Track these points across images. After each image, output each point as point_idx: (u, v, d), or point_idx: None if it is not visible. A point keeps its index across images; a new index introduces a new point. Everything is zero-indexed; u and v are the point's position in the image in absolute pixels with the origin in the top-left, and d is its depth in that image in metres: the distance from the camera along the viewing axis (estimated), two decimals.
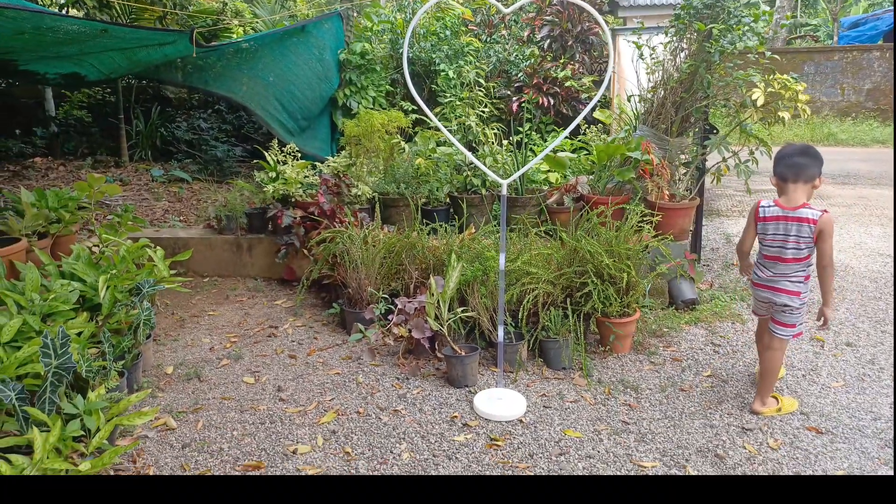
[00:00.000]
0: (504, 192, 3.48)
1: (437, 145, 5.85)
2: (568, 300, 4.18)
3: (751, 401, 3.63)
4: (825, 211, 3.26)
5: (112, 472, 2.88)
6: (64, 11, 6.11)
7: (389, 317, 4.27)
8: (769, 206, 3.39)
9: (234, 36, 8.67)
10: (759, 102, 5.05)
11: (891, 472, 3.01)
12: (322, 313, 4.92)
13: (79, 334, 3.36)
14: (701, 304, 5.06)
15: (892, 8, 22.95)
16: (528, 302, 4.05)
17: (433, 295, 4.01)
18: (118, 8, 7.30)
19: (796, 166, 3.29)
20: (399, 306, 4.22)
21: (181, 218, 6.85)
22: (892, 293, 5.26)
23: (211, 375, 3.98)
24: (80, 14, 6.02)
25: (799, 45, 21.36)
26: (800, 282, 3.39)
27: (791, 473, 3.01)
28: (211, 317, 4.90)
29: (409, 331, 4.07)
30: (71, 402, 2.79)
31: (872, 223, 7.52)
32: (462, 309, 4.10)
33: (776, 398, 3.64)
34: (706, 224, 7.12)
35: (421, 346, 4.09)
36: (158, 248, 4.46)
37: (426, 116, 3.62)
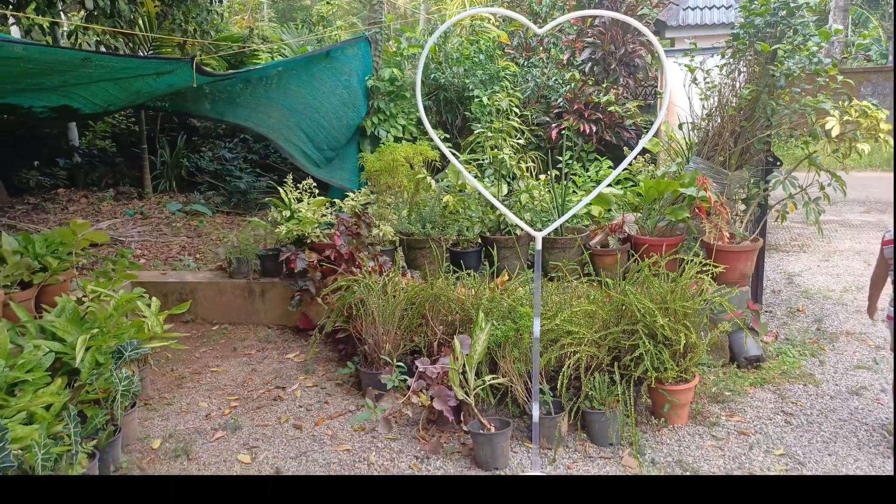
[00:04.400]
0: (538, 246, 2.93)
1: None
2: (615, 364, 3.59)
3: None
4: None
5: None
6: (74, 40, 5.79)
7: (409, 380, 3.74)
8: None
9: (262, 63, 8.36)
10: (834, 133, 4.42)
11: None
12: (336, 370, 4.41)
13: (48, 407, 2.91)
14: (767, 360, 4.42)
15: None
16: (568, 367, 3.47)
17: (458, 359, 3.47)
18: (139, 38, 7.05)
19: None
20: (420, 369, 3.68)
21: (197, 255, 6.47)
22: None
23: (202, 452, 3.47)
24: (92, 42, 5.73)
25: (853, 65, 20.34)
26: None
27: None
28: (213, 374, 4.43)
29: (431, 399, 3.53)
30: None
31: None
32: (491, 377, 3.54)
33: None
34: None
35: (444, 417, 3.54)
36: (154, 298, 4.03)
37: (442, 148, 3.11)
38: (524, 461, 3.34)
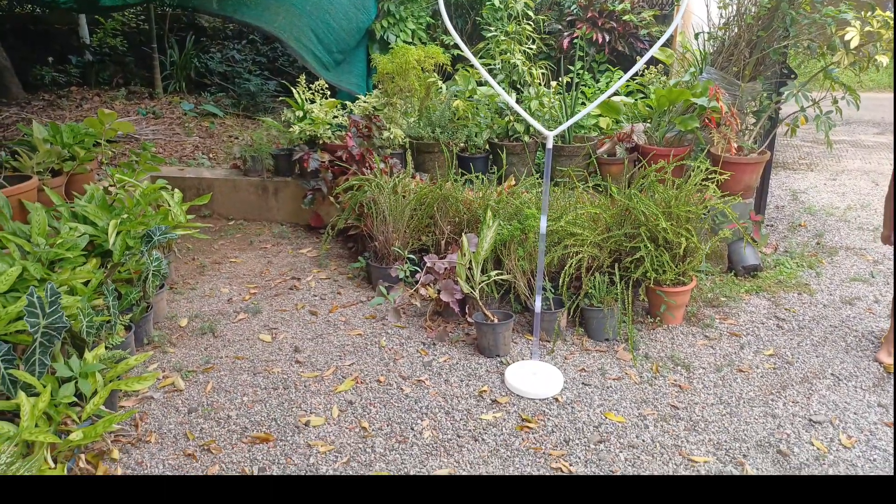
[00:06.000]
0: (549, 145, 3.03)
1: (478, 85, 5.35)
2: (616, 265, 3.76)
3: (819, 387, 3.25)
4: None
5: (110, 441, 2.68)
6: None
7: (417, 275, 3.94)
8: None
9: None
10: (854, 43, 4.38)
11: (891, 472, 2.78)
12: (348, 266, 4.62)
13: (86, 283, 3.13)
14: (764, 270, 4.58)
15: None
16: (570, 266, 3.65)
17: (465, 255, 3.65)
18: None
19: None
20: (428, 264, 3.87)
21: (210, 155, 6.58)
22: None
23: (226, 331, 3.74)
24: None
25: None
26: None
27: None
28: (233, 264, 4.65)
29: (438, 292, 3.74)
30: (66, 362, 2.56)
31: None
32: (497, 272, 3.73)
33: None
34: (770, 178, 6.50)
35: (450, 309, 3.76)
36: (177, 190, 4.19)
37: (463, 48, 3.16)
38: (524, 351, 3.58)
